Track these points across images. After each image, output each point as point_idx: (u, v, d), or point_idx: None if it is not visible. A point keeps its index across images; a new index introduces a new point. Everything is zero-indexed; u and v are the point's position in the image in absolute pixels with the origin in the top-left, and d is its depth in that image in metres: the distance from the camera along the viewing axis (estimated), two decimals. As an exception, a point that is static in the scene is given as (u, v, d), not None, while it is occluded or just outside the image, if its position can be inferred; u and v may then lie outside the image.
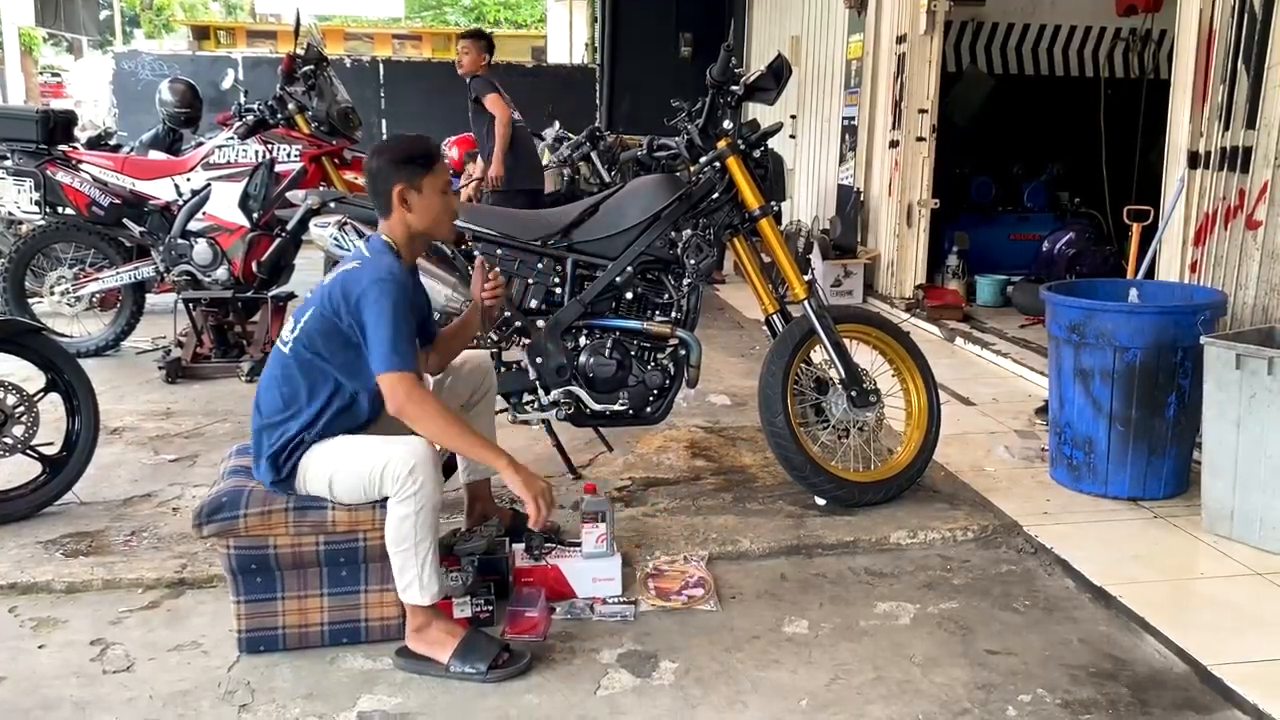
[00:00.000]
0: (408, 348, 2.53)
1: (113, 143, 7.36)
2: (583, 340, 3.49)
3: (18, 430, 3.46)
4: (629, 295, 3.53)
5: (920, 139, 6.93)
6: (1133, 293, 3.91)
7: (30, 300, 5.68)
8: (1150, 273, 4.37)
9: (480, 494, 3.17)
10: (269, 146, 5.56)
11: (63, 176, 5.62)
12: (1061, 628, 2.85)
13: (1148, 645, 2.75)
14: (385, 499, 2.56)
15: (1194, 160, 4.18)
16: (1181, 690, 2.54)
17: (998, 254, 7.73)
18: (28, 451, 3.49)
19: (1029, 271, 7.36)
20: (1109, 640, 2.78)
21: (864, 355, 3.76)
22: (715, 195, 3.56)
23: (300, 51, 5.81)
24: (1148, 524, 3.48)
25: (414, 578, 2.52)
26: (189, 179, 5.62)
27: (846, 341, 3.66)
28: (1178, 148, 4.29)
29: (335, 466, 2.58)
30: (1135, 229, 4.51)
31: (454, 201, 2.72)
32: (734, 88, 3.58)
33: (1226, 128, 4.03)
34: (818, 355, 3.71)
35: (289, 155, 5.56)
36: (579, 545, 2.99)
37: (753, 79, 3.63)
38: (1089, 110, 8.19)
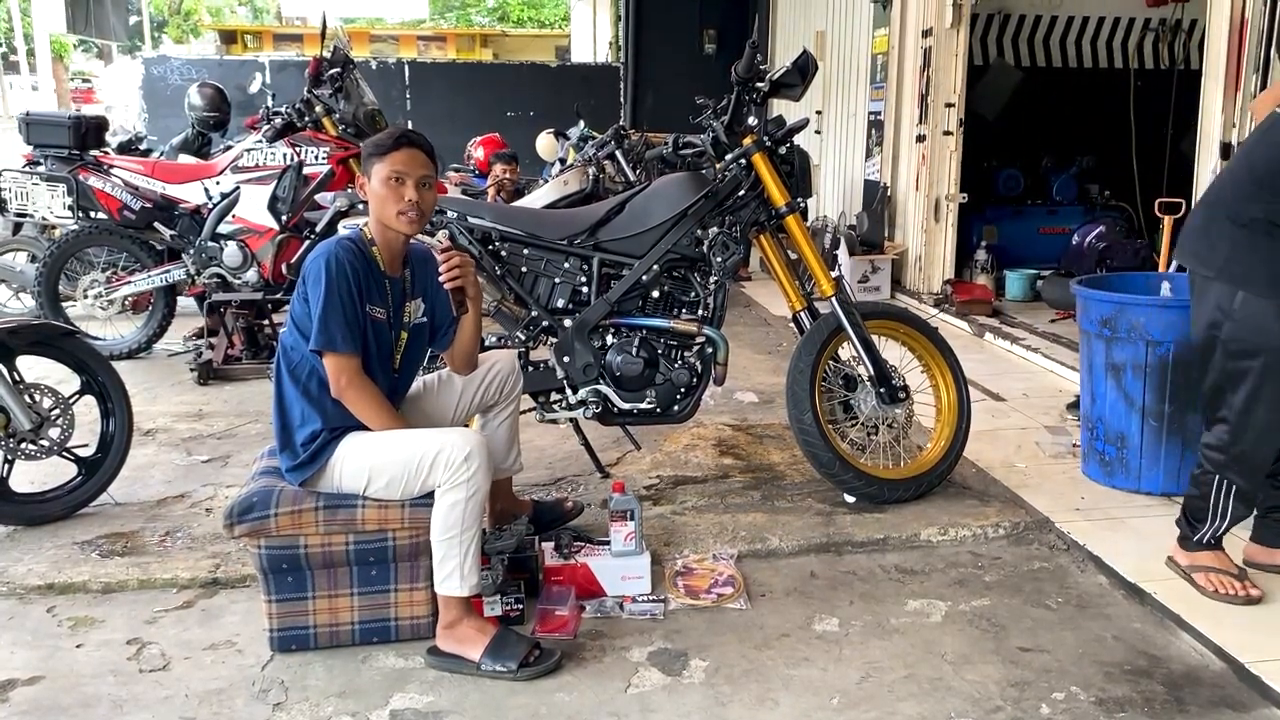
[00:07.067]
0: (339, 329, 2.56)
1: (143, 147, 7.46)
2: (610, 339, 3.50)
3: (54, 432, 3.51)
4: (655, 293, 3.53)
5: (947, 133, 6.88)
6: (1165, 286, 3.86)
7: (64, 304, 5.75)
8: (1183, 266, 4.32)
9: (501, 491, 3.17)
10: (297, 149, 5.61)
11: (94, 181, 5.69)
12: (1095, 625, 2.82)
13: (1183, 642, 2.72)
14: (423, 495, 2.59)
15: (1226, 151, 4.13)
16: (1218, 688, 2.51)
17: (1027, 248, 7.67)
18: (64, 453, 3.54)
19: (1058, 265, 7.29)
20: (1143, 637, 2.76)
21: (892, 351, 3.74)
22: (741, 192, 3.56)
23: (327, 54, 5.85)
24: (1182, 520, 3.44)
25: (455, 568, 2.54)
26: (218, 182, 5.68)
27: (875, 338, 3.64)
28: (1210, 138, 4.24)
29: (376, 458, 2.61)
30: (1167, 221, 4.46)
31: (410, 192, 2.63)
32: (759, 84, 3.57)
33: (1260, 118, 3.98)
34: (846, 352, 3.69)
35: (317, 158, 5.61)
36: (608, 543, 3.00)
37: (778, 75, 3.61)
38: (1119, 102, 8.12)
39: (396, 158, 2.65)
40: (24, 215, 5.91)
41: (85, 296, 5.77)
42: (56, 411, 3.52)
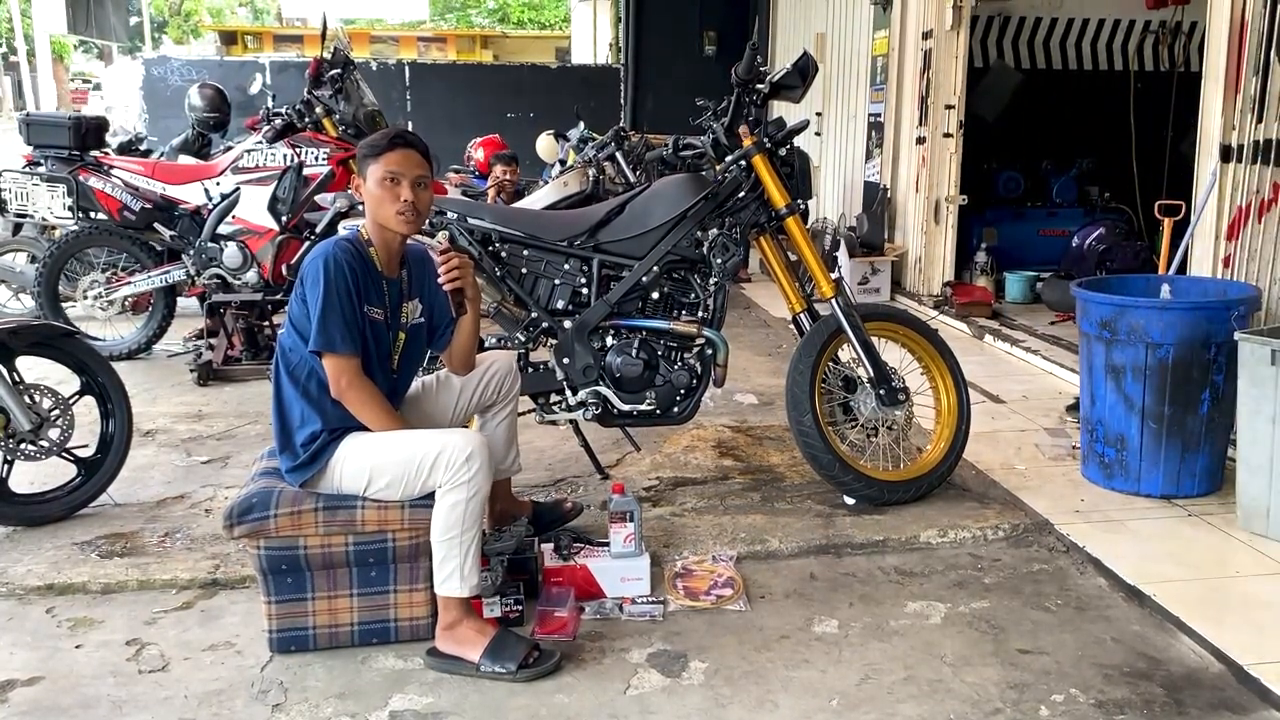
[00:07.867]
0: (337, 330, 2.56)
1: (143, 148, 7.46)
2: (609, 340, 3.50)
3: (54, 433, 3.51)
4: (655, 295, 3.53)
5: (947, 135, 6.88)
6: (1165, 288, 3.86)
7: (64, 304, 5.75)
8: (1182, 268, 4.32)
9: (500, 492, 3.16)
10: (297, 150, 5.61)
11: (95, 182, 5.70)
12: (1094, 627, 2.82)
13: (1182, 644, 2.72)
14: (424, 496, 2.59)
15: (1226, 153, 4.13)
16: (1218, 690, 2.51)
17: (1027, 250, 7.68)
18: (63, 454, 3.54)
19: (1058, 267, 7.30)
20: (1143, 639, 2.76)
21: (892, 353, 3.74)
22: (741, 194, 3.56)
23: (327, 55, 5.85)
24: (1181, 522, 3.44)
25: (455, 569, 2.54)
26: (218, 183, 5.68)
27: (874, 339, 3.64)
28: (1210, 141, 4.23)
29: (376, 459, 2.61)
30: (1167, 224, 4.46)
31: (405, 193, 2.63)
32: (759, 86, 3.58)
33: (1259, 120, 3.98)
34: (845, 353, 3.69)
35: (317, 158, 5.62)
36: (607, 545, 3.00)
37: (778, 77, 3.61)
38: (1118, 104, 8.12)
39: (391, 158, 2.65)
40: (24, 216, 5.91)
41: (85, 297, 5.77)
42: (56, 412, 3.52)
